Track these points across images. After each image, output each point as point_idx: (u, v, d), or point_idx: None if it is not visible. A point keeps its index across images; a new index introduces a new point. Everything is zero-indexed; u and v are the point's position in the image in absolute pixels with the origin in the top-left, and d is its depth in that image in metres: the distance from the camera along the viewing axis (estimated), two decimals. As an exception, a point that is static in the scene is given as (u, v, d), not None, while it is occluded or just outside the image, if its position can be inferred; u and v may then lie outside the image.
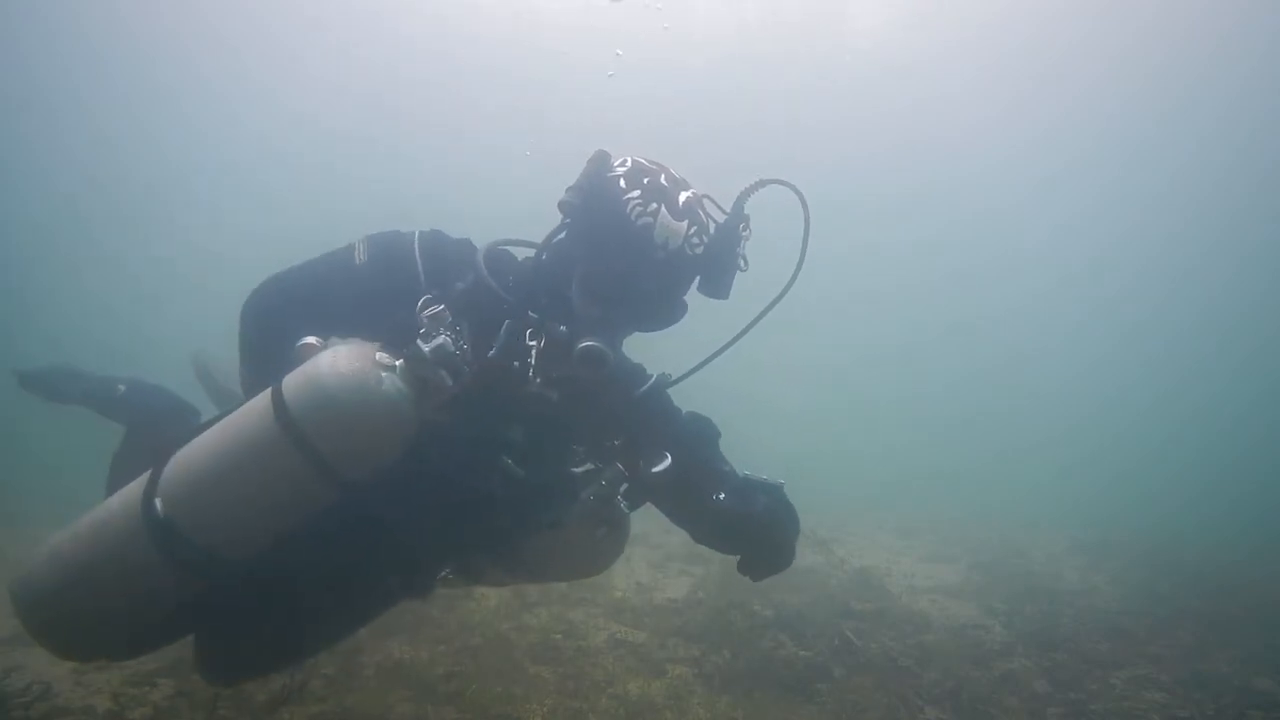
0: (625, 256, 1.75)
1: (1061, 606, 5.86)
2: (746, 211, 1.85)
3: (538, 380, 1.78)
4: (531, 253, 2.00)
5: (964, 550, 8.42)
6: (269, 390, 1.67)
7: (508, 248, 2.00)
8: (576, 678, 3.66)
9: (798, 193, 1.88)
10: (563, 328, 1.78)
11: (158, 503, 1.61)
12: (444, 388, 1.69)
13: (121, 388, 2.77)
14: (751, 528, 1.91)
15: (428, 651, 3.78)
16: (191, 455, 1.68)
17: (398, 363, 1.66)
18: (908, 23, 20.16)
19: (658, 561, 6.54)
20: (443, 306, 1.75)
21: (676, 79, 22.41)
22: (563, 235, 1.87)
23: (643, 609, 5.01)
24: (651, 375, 2.05)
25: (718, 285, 1.86)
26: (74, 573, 1.63)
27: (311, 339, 1.81)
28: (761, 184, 1.85)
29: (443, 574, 2.11)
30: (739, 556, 2.01)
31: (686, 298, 1.91)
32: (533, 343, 1.79)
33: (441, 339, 1.69)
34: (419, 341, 1.68)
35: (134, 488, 1.69)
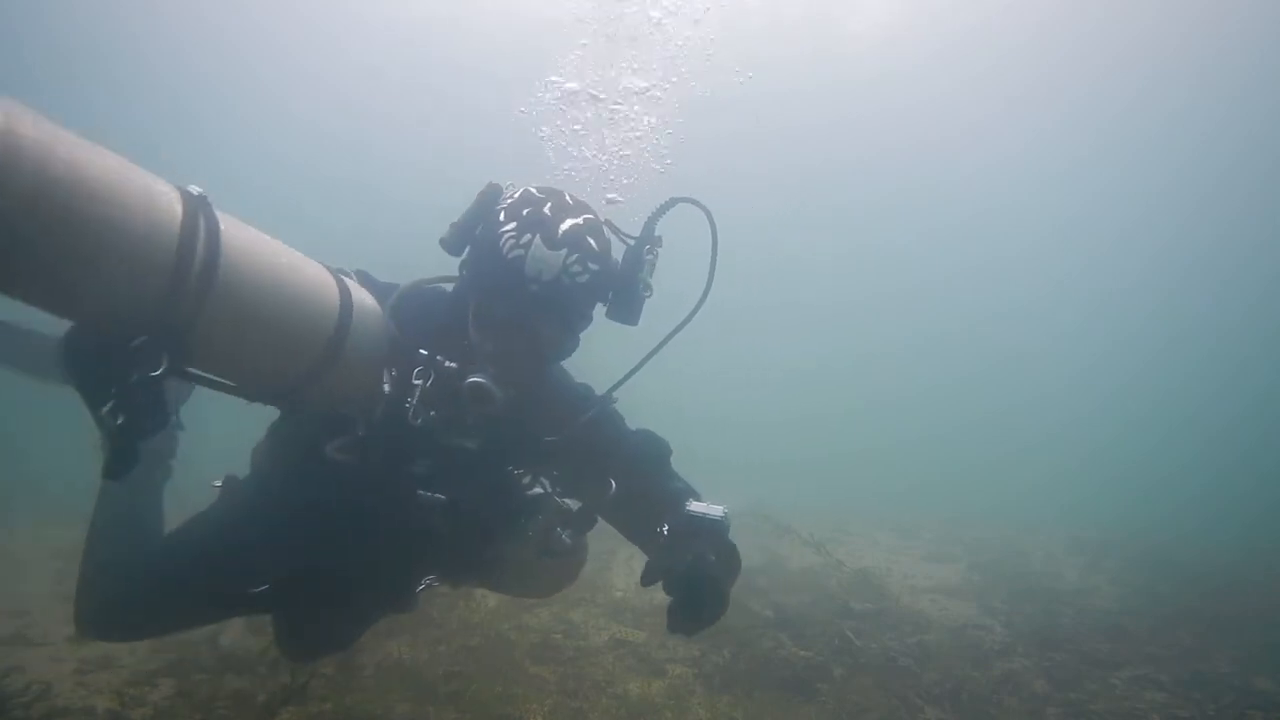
0: (500, 292, 1.73)
1: (1061, 606, 5.86)
2: (658, 233, 1.81)
3: (419, 420, 1.77)
4: None
5: (964, 550, 8.43)
6: (338, 286, 1.75)
7: (440, 285, 2.00)
8: (576, 678, 3.66)
9: (705, 211, 1.85)
10: (449, 364, 1.77)
11: (214, 245, 1.46)
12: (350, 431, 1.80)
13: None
14: (686, 590, 1.66)
15: (428, 651, 3.77)
16: (263, 254, 1.61)
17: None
18: (906, 23, 20.15)
19: (658, 561, 6.53)
20: None
21: (674, 79, 22.38)
22: (460, 271, 1.88)
23: (643, 609, 5.01)
24: (595, 399, 2.00)
25: (623, 311, 1.82)
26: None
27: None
28: (672, 203, 1.82)
29: (423, 585, 2.15)
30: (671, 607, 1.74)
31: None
32: (418, 381, 1.78)
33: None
34: None
35: (176, 206, 1.46)
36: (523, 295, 1.71)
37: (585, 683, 3.60)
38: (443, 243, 1.81)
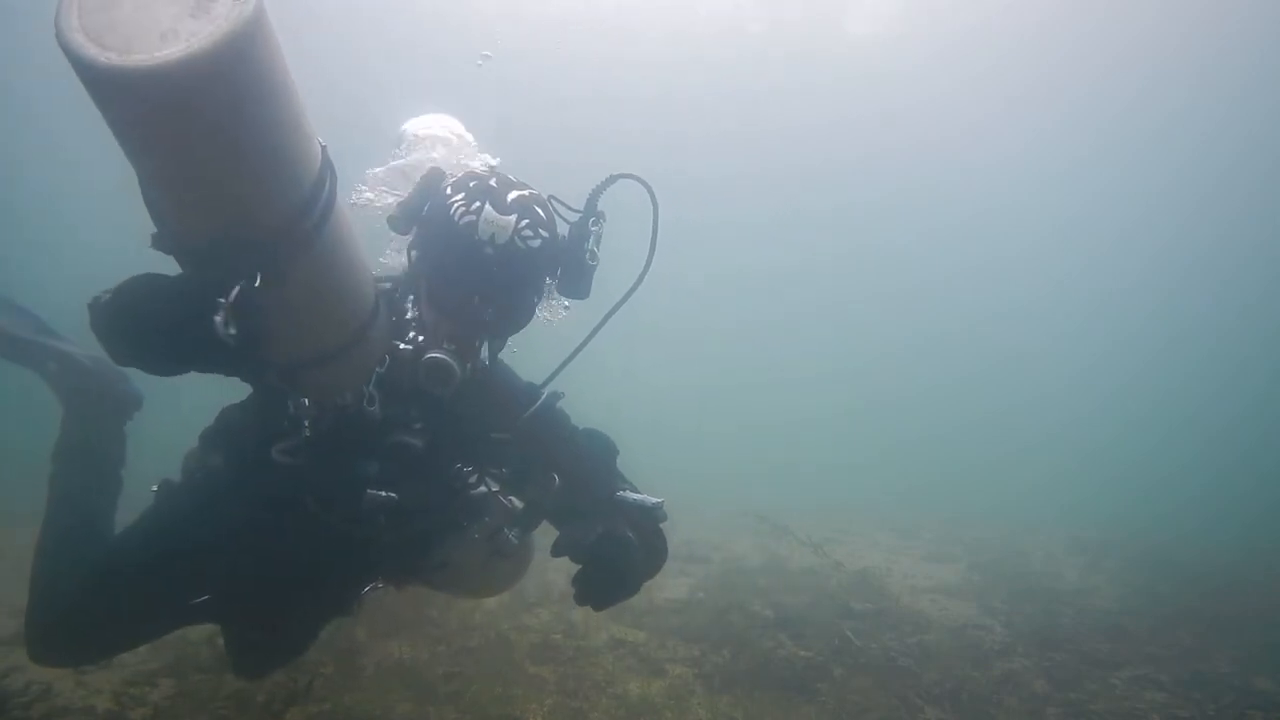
0: (455, 258, 1.74)
1: (1061, 606, 5.86)
2: (600, 208, 1.83)
3: (374, 407, 1.76)
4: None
5: (964, 550, 8.43)
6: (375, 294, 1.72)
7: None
8: (576, 678, 3.66)
9: (647, 187, 1.87)
10: (403, 345, 1.77)
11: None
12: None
13: (53, 365, 2.51)
14: (583, 556, 1.71)
15: (428, 651, 3.77)
16: (354, 244, 1.57)
17: None
18: (906, 23, 20.15)
19: (658, 561, 6.53)
20: None
21: (672, 80, 22.38)
22: (407, 252, 1.87)
23: (643, 609, 5.01)
24: (540, 395, 2.00)
25: (573, 285, 1.84)
26: None
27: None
28: (613, 179, 1.83)
29: (367, 589, 2.15)
30: (578, 580, 1.74)
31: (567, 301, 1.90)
32: (377, 369, 1.77)
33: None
34: None
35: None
36: (479, 259, 1.72)
37: (585, 683, 3.60)
38: (391, 221, 1.81)
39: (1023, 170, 26.17)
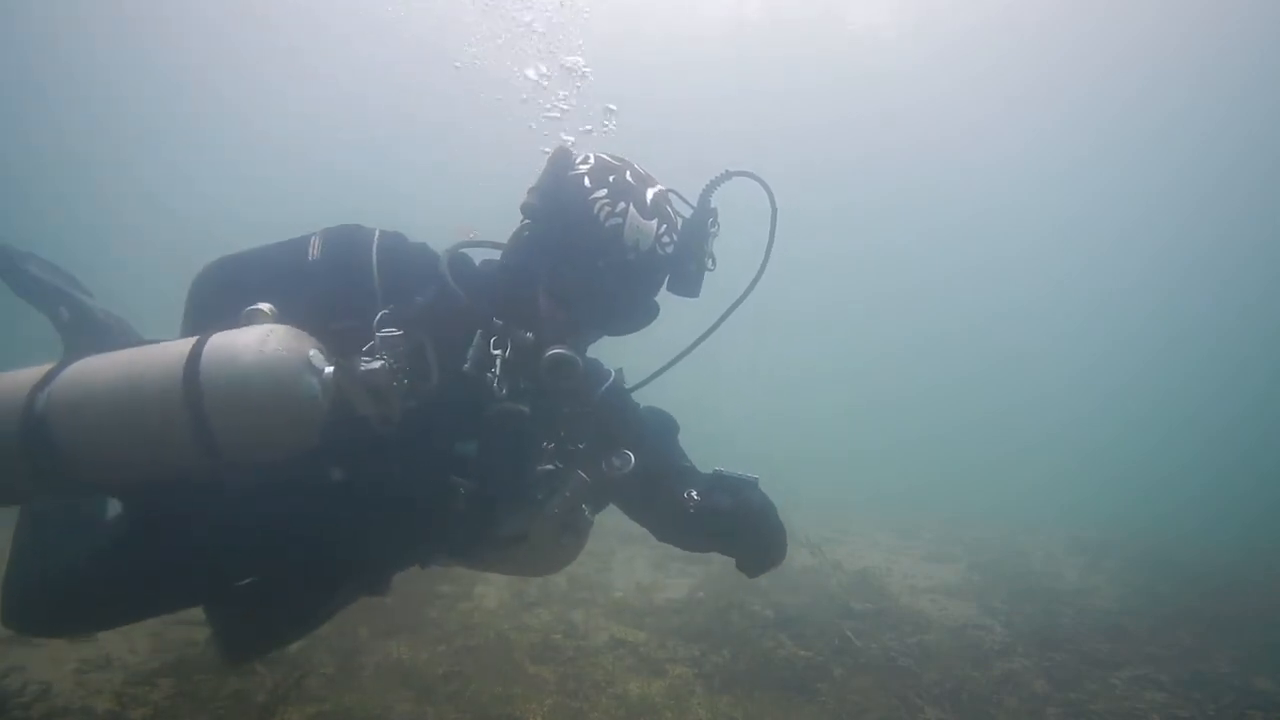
0: (595, 260, 1.70)
1: (1061, 606, 5.86)
2: (714, 205, 1.80)
3: (503, 391, 1.71)
4: (490, 254, 1.94)
5: (964, 550, 8.42)
6: (194, 340, 1.52)
7: (466, 250, 1.92)
8: (576, 678, 3.65)
9: (765, 186, 1.83)
10: (529, 335, 1.73)
11: (44, 396, 1.50)
12: (391, 404, 1.62)
13: (64, 312, 2.34)
14: (746, 523, 1.84)
15: (428, 651, 3.77)
16: (96, 368, 1.55)
17: (328, 369, 1.56)
18: (907, 23, 20.15)
19: (658, 561, 6.54)
20: (400, 331, 1.64)
21: (672, 79, 22.38)
22: (527, 237, 1.80)
23: (643, 609, 5.01)
24: (610, 372, 2.00)
25: (688, 283, 1.80)
26: None
27: (264, 306, 1.65)
28: (728, 176, 1.80)
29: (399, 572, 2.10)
30: (734, 556, 1.94)
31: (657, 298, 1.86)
32: (497, 351, 1.72)
33: (380, 364, 1.59)
34: (362, 357, 1.60)
35: (38, 371, 1.57)
36: (621, 265, 1.70)
37: (585, 683, 3.60)
38: (526, 209, 1.76)
39: (1023, 170, 26.17)
